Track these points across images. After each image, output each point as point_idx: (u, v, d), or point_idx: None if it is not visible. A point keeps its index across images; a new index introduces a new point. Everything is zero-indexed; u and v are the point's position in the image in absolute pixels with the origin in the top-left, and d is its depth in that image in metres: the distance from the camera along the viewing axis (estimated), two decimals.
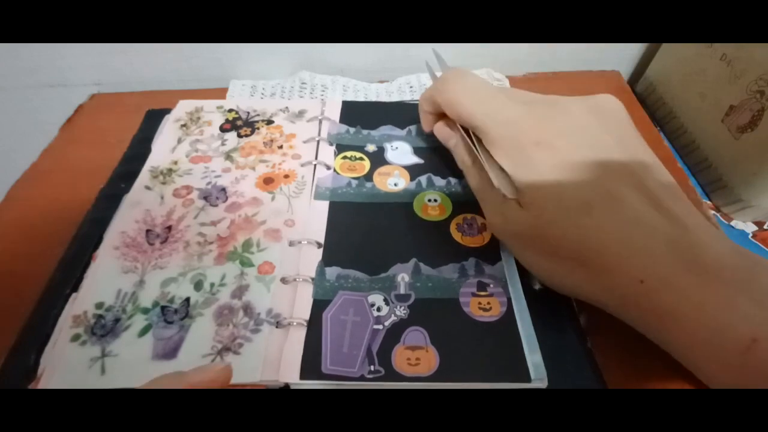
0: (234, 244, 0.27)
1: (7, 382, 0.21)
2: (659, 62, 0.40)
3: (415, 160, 0.32)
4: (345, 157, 0.32)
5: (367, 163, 0.32)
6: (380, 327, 0.23)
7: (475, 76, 0.26)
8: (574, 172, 0.21)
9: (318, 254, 0.26)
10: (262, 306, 0.24)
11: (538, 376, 0.21)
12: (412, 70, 0.41)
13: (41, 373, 0.21)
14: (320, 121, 0.34)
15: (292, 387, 0.21)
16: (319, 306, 0.24)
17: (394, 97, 0.39)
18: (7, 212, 0.31)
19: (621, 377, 0.22)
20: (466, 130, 0.26)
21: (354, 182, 0.30)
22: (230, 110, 0.36)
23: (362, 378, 0.21)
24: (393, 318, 0.23)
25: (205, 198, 0.29)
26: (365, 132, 0.34)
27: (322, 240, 0.27)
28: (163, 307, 0.24)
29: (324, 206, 0.29)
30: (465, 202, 0.29)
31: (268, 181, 0.30)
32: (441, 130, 0.29)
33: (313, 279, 0.25)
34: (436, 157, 0.32)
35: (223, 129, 0.34)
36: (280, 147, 0.33)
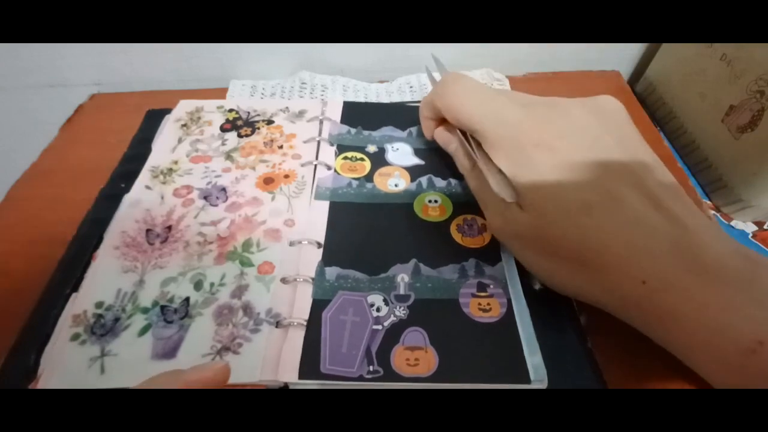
0: (234, 243, 0.27)
1: (7, 382, 0.21)
2: (659, 62, 0.40)
3: (415, 161, 0.32)
4: (346, 158, 0.32)
5: (367, 164, 0.32)
6: (379, 327, 0.23)
7: (473, 80, 0.26)
8: (574, 172, 0.21)
9: (318, 254, 0.26)
10: (262, 306, 0.24)
11: (537, 378, 0.21)
12: (412, 70, 0.41)
13: (41, 372, 0.21)
14: (321, 122, 0.35)
15: (291, 387, 0.21)
16: (318, 306, 0.24)
17: (394, 97, 0.39)
18: (7, 212, 0.31)
19: (621, 377, 0.22)
20: (465, 134, 0.26)
21: (354, 183, 0.30)
22: (231, 110, 0.36)
23: (361, 378, 0.21)
24: (392, 318, 0.23)
25: (205, 198, 0.29)
26: (366, 133, 0.34)
27: (322, 240, 0.27)
28: (162, 307, 0.24)
29: (324, 206, 0.29)
30: (465, 203, 0.29)
31: (268, 181, 0.30)
32: (441, 135, 0.29)
33: (312, 279, 0.25)
34: (436, 159, 0.32)
35: (223, 129, 0.34)
36: (281, 147, 0.33)
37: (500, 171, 0.23)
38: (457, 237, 0.27)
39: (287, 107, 0.36)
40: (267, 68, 0.41)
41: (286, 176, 0.31)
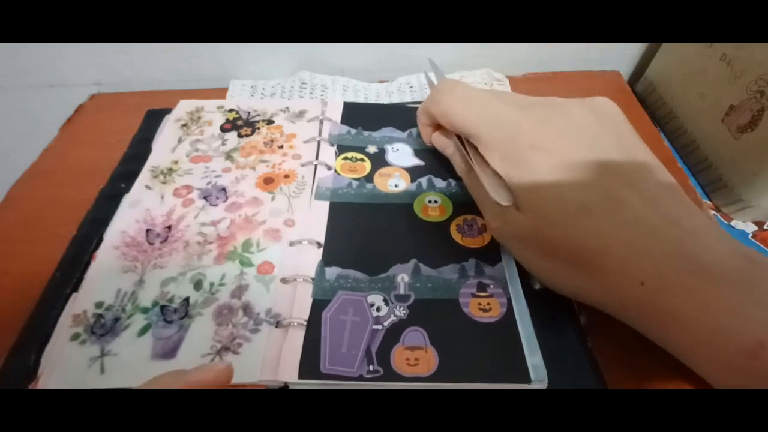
0: (234, 243, 0.27)
1: (7, 382, 0.21)
2: (659, 62, 0.40)
3: (415, 161, 0.32)
4: (346, 158, 0.32)
5: (367, 164, 0.32)
6: (379, 327, 0.23)
7: (467, 86, 0.27)
8: (573, 173, 0.21)
9: (318, 254, 0.26)
10: (262, 306, 0.24)
11: (537, 378, 0.21)
12: (412, 70, 0.41)
13: (41, 372, 0.21)
14: (321, 122, 0.35)
15: (291, 387, 0.21)
16: (318, 306, 0.24)
17: (394, 97, 0.39)
18: (7, 212, 0.31)
19: (621, 377, 0.22)
20: (461, 139, 0.26)
21: (355, 183, 0.30)
22: (231, 110, 0.36)
23: (361, 378, 0.21)
24: (392, 318, 0.23)
25: (205, 198, 0.29)
26: (366, 133, 0.34)
27: (322, 240, 0.27)
28: (162, 307, 0.24)
29: (324, 206, 0.29)
30: (465, 204, 0.29)
31: (268, 181, 0.30)
32: (438, 140, 0.29)
33: (312, 279, 0.25)
34: (436, 159, 0.32)
35: (223, 129, 0.34)
36: (281, 147, 0.33)
37: (496, 174, 0.23)
38: (457, 237, 0.27)
39: (287, 107, 0.36)
40: (267, 68, 0.41)
41: (286, 176, 0.31)
